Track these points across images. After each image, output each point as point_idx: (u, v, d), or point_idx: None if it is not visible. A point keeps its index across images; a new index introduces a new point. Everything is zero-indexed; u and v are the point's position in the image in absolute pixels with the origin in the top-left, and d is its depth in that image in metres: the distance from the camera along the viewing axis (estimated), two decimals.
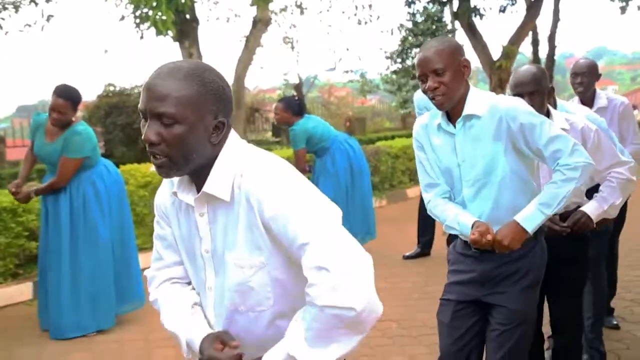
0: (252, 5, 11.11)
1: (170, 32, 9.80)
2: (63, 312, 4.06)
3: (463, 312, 2.35)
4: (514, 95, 2.51)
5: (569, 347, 2.78)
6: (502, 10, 14.48)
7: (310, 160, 6.47)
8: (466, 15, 13.47)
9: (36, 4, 11.17)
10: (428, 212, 2.43)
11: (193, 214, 1.49)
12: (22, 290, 4.91)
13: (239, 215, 1.42)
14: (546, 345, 3.16)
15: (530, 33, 15.43)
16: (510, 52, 13.39)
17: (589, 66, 3.83)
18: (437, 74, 2.17)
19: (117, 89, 11.57)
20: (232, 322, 1.51)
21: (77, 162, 4.02)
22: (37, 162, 4.41)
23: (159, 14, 9.49)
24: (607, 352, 3.44)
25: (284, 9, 14.60)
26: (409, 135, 6.06)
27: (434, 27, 15.68)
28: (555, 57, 16.85)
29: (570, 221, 2.58)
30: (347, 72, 19.78)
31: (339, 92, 22.92)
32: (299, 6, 14.50)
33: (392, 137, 11.50)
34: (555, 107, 3.19)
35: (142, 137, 1.39)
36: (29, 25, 11.38)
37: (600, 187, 2.67)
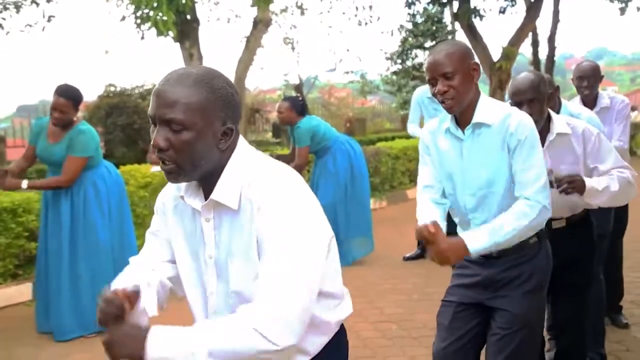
0: (252, 6, 11.12)
1: (170, 33, 9.80)
2: (63, 313, 4.06)
3: (463, 314, 2.34)
4: (514, 103, 2.51)
5: (572, 349, 2.78)
6: (502, 11, 14.49)
7: (310, 162, 6.47)
8: (466, 16, 13.47)
9: (37, 5, 11.17)
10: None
11: (199, 218, 1.49)
12: (22, 291, 4.91)
13: (243, 224, 1.42)
14: (547, 347, 3.16)
15: (530, 34, 15.44)
16: (510, 53, 13.39)
17: (593, 69, 3.85)
18: (447, 77, 2.15)
19: (118, 89, 11.56)
20: None
21: (83, 161, 4.02)
22: (36, 162, 4.40)
23: (160, 14, 9.49)
24: (607, 354, 3.44)
25: (284, 10, 14.62)
26: (409, 137, 6.08)
27: (434, 28, 15.70)
28: (555, 58, 16.86)
29: (569, 174, 2.50)
30: (347, 72, 19.82)
31: (339, 92, 22.93)
32: (300, 7, 14.52)
33: (393, 138, 11.48)
34: (560, 107, 3.19)
35: (152, 142, 1.40)
36: (30, 26, 11.38)
37: (601, 175, 2.58)
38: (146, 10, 9.69)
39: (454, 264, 2.16)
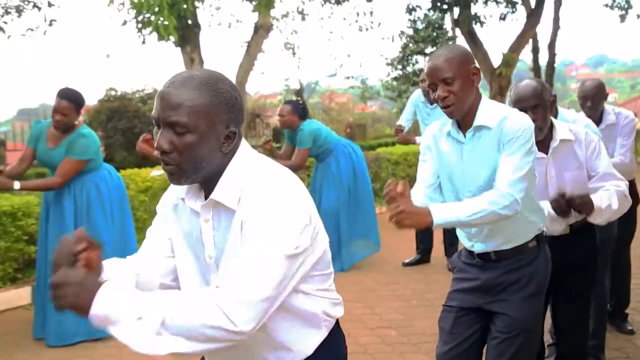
0: (253, 11, 11.15)
1: (172, 37, 9.82)
2: (65, 318, 4.03)
3: (464, 319, 2.36)
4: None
5: (572, 355, 2.78)
6: (503, 18, 14.51)
7: (309, 166, 6.47)
8: (467, 22, 13.49)
9: (39, 9, 11.21)
10: None
11: (197, 219, 1.50)
12: (21, 295, 4.91)
13: (240, 225, 1.42)
14: (546, 353, 3.16)
15: (531, 41, 15.45)
16: (510, 59, 13.41)
17: (596, 88, 3.79)
18: (447, 82, 2.15)
19: (119, 93, 11.57)
20: None
21: (80, 164, 4.01)
22: (37, 166, 4.40)
23: (161, 19, 9.51)
24: None
25: (285, 15, 14.66)
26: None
27: (434, 34, 15.74)
28: (556, 65, 16.86)
29: (578, 194, 2.47)
30: (348, 78, 19.85)
31: (340, 98, 22.97)
32: (301, 12, 14.55)
33: (393, 144, 11.47)
34: (556, 115, 3.21)
35: (155, 144, 1.41)
36: (32, 30, 11.41)
37: (599, 191, 2.57)
38: (147, 15, 9.71)
39: (411, 228, 2.06)
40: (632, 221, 3.96)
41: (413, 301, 4.81)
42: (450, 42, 15.61)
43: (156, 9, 9.38)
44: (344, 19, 18.43)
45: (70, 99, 3.97)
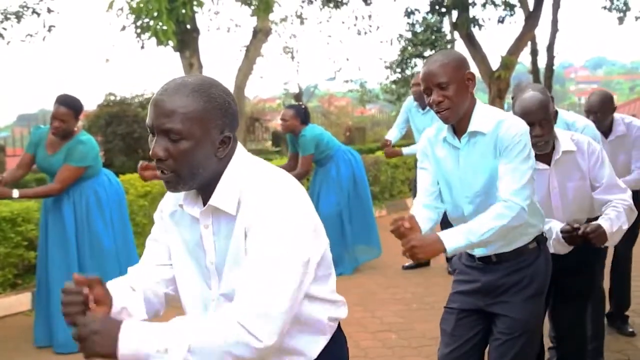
0: (252, 15, 11.16)
1: (170, 42, 9.81)
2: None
3: (465, 321, 2.37)
4: None
5: (572, 357, 2.78)
6: (501, 20, 14.52)
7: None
8: (465, 25, 13.49)
9: (38, 15, 11.22)
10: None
11: (197, 226, 1.50)
12: (21, 301, 4.90)
13: (241, 230, 1.42)
14: (547, 356, 3.16)
15: (529, 43, 15.46)
16: (509, 62, 13.41)
17: (602, 102, 3.68)
18: (441, 87, 2.16)
19: (118, 98, 11.57)
20: None
21: (79, 171, 4.01)
22: (37, 172, 4.40)
23: (160, 24, 9.51)
24: None
25: (284, 19, 14.67)
26: (408, 145, 6.08)
27: (433, 37, 15.73)
28: (554, 67, 16.86)
29: (590, 229, 2.46)
30: (347, 81, 19.83)
31: (339, 101, 22.93)
32: (299, 16, 14.57)
33: (392, 147, 11.48)
34: (556, 117, 3.21)
35: (150, 152, 1.41)
36: (31, 35, 11.42)
37: (607, 211, 2.56)
38: (146, 20, 9.71)
39: (425, 259, 2.11)
40: (636, 224, 3.94)
41: (413, 304, 4.81)
42: (449, 45, 15.61)
43: (155, 14, 9.38)
44: (343, 22, 18.45)
45: (69, 105, 3.97)
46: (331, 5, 14.02)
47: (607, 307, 3.92)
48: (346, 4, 14.13)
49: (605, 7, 16.24)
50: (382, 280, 5.52)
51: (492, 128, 2.18)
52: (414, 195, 5.84)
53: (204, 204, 1.48)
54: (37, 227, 4.65)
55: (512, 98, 3.00)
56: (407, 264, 5.89)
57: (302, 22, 14.73)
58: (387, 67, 16.92)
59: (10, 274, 4.97)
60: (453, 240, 2.08)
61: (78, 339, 1.32)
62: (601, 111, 3.67)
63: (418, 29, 16.01)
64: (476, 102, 2.25)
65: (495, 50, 41.83)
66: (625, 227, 2.55)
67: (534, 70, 16.53)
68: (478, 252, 2.35)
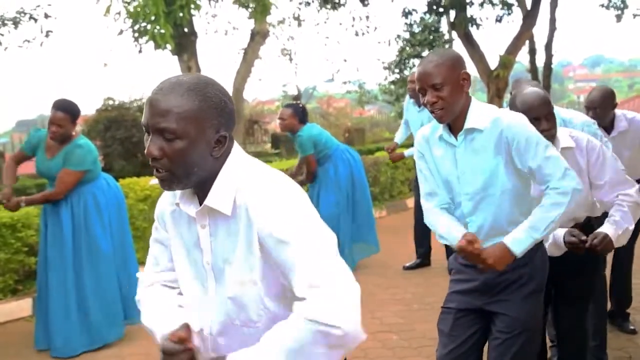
0: (250, 18, 11.16)
1: (168, 46, 9.83)
2: (69, 329, 4.02)
3: (463, 321, 2.35)
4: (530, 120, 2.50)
5: (574, 356, 2.78)
6: (499, 20, 14.52)
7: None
8: (463, 25, 13.50)
9: (35, 20, 11.21)
10: (425, 220, 2.43)
11: (195, 225, 1.50)
12: (22, 306, 4.90)
13: (239, 229, 1.43)
14: (548, 355, 3.15)
15: (527, 42, 15.47)
16: (507, 61, 13.41)
17: (602, 97, 3.66)
18: (436, 88, 2.17)
19: (116, 102, 11.59)
20: (228, 335, 1.51)
21: (78, 175, 4.02)
22: (35, 176, 4.41)
23: (158, 27, 9.52)
24: None
25: (281, 22, 14.66)
26: (409, 146, 6.10)
27: (431, 37, 15.74)
28: (553, 66, 16.88)
29: (597, 240, 2.47)
30: (345, 83, 19.84)
31: (338, 103, 22.96)
32: (297, 18, 14.56)
33: (394, 151, 11.48)
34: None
35: (145, 151, 1.41)
36: (28, 41, 11.41)
37: (611, 212, 2.56)
38: (144, 24, 9.72)
39: (503, 268, 2.21)
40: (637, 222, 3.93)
41: (414, 305, 4.81)
42: (447, 45, 15.62)
43: (152, 18, 9.40)
44: (340, 24, 18.53)
45: (66, 110, 3.97)
46: (328, 6, 14.02)
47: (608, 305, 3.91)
48: (343, 5, 14.13)
49: (603, 5, 16.27)
50: (382, 281, 5.52)
51: (489, 125, 2.19)
52: (415, 196, 5.86)
53: (200, 202, 1.48)
54: (37, 232, 4.65)
55: (511, 94, 2.99)
56: (407, 264, 5.89)
57: (299, 24, 14.72)
58: (385, 68, 16.93)
59: (11, 280, 4.97)
60: (520, 245, 2.18)
61: None
62: (602, 107, 3.65)
63: (416, 29, 16.03)
64: (471, 100, 2.25)
65: (493, 50, 41.79)
66: (632, 227, 2.53)
67: (533, 69, 16.55)
68: None
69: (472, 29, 13.88)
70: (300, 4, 14.09)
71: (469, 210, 2.28)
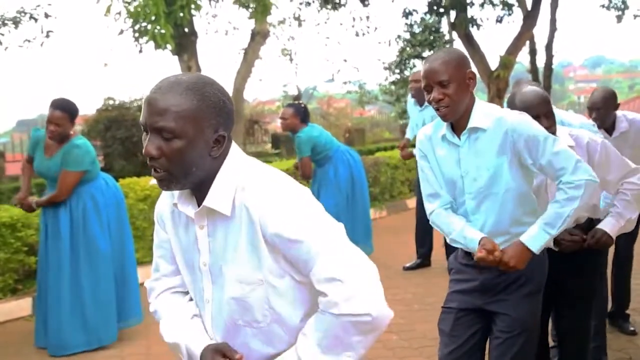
0: (250, 18, 11.15)
1: (169, 46, 9.81)
2: (65, 328, 4.03)
3: (464, 320, 2.35)
4: None
5: (575, 357, 2.77)
6: (499, 20, 14.51)
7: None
8: (463, 25, 13.49)
9: (35, 20, 11.20)
10: (430, 222, 2.43)
11: (193, 226, 1.49)
12: (22, 306, 4.90)
13: (240, 230, 1.42)
14: (551, 354, 3.15)
15: (528, 42, 15.46)
16: (507, 62, 13.41)
17: (604, 98, 3.66)
18: (442, 85, 2.17)
19: (117, 102, 11.57)
20: (231, 336, 1.51)
21: (77, 175, 4.02)
22: (35, 176, 4.42)
23: (158, 27, 9.50)
24: None
25: (282, 22, 14.66)
26: (409, 146, 6.10)
27: (431, 37, 15.73)
28: (553, 66, 16.87)
29: (591, 239, 2.52)
30: (345, 83, 19.82)
31: (338, 103, 22.91)
32: (297, 18, 14.56)
33: (392, 148, 11.47)
34: None
35: (143, 150, 1.40)
36: (29, 41, 11.40)
37: (615, 202, 2.59)
38: (144, 24, 9.71)
39: (522, 267, 2.22)
40: (637, 223, 3.92)
41: (414, 305, 4.80)
42: (447, 45, 15.61)
43: (153, 18, 9.38)
44: (341, 24, 18.49)
45: (64, 109, 3.97)
46: (329, 6, 14.01)
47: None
48: (344, 5, 14.12)
49: (603, 6, 16.26)
50: (383, 281, 5.46)
51: (492, 124, 2.19)
52: (417, 196, 5.85)
53: (198, 202, 1.47)
54: (36, 232, 4.66)
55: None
56: (407, 265, 5.89)
57: (300, 24, 14.71)
58: (385, 68, 16.92)
59: (11, 280, 4.97)
60: (537, 242, 2.18)
61: None
62: (604, 107, 3.65)
63: (416, 29, 16.01)
64: (475, 99, 2.26)
65: (493, 50, 41.95)
66: (635, 216, 2.56)
67: (533, 69, 16.54)
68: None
69: (473, 30, 13.88)
70: (300, 4, 14.09)
71: (472, 208, 2.28)
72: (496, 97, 13.34)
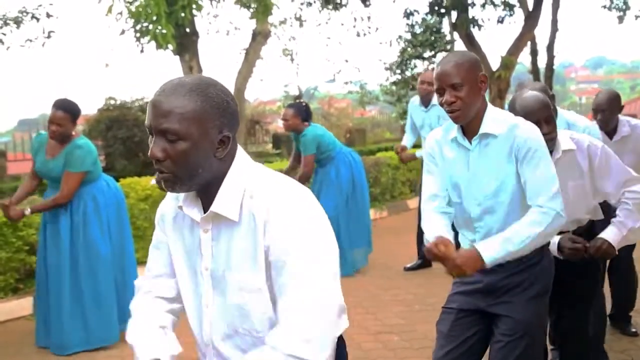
0: (251, 18, 11.15)
1: (170, 46, 9.81)
2: (65, 327, 4.03)
3: (463, 321, 2.33)
4: None
5: (575, 358, 2.77)
6: (500, 21, 14.50)
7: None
8: (464, 26, 13.49)
9: (37, 20, 11.21)
10: (422, 223, 2.43)
11: (197, 229, 1.49)
12: (23, 305, 4.89)
13: (245, 236, 1.41)
14: (549, 357, 3.15)
15: (529, 43, 15.45)
16: (509, 62, 13.40)
17: (609, 100, 3.67)
18: (455, 88, 2.17)
19: (118, 102, 11.57)
20: (231, 343, 1.50)
21: (80, 176, 4.02)
22: (33, 192, 4.40)
23: (159, 27, 9.50)
24: None
25: (283, 22, 14.65)
26: (419, 146, 6.08)
27: (432, 38, 15.72)
28: (555, 67, 16.86)
29: (592, 249, 2.51)
30: (346, 83, 19.81)
31: (339, 103, 22.90)
32: (298, 19, 14.55)
33: (393, 148, 11.48)
34: (555, 115, 3.20)
35: (149, 153, 1.40)
36: (30, 41, 11.41)
37: (617, 211, 2.57)
38: (145, 24, 9.71)
39: (472, 274, 2.15)
40: None
41: (415, 306, 4.80)
42: (449, 46, 15.60)
43: (154, 18, 9.38)
44: (342, 24, 18.53)
45: (66, 109, 3.97)
46: (330, 7, 14.02)
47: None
48: (345, 5, 14.12)
49: (605, 6, 16.24)
50: (383, 282, 5.51)
51: (505, 131, 2.19)
52: (419, 197, 5.84)
53: (203, 205, 1.47)
54: (38, 231, 4.65)
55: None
56: (408, 265, 5.88)
57: (301, 25, 14.71)
58: (386, 69, 16.91)
59: (12, 279, 4.97)
60: (492, 251, 2.12)
61: None
62: (609, 109, 3.66)
63: (417, 30, 16.00)
64: (487, 104, 2.25)
65: (495, 51, 41.89)
66: (638, 225, 2.53)
67: (534, 70, 16.53)
68: None
69: (474, 30, 13.87)
70: (301, 4, 14.09)
71: (477, 215, 2.27)
72: (497, 97, 13.33)
